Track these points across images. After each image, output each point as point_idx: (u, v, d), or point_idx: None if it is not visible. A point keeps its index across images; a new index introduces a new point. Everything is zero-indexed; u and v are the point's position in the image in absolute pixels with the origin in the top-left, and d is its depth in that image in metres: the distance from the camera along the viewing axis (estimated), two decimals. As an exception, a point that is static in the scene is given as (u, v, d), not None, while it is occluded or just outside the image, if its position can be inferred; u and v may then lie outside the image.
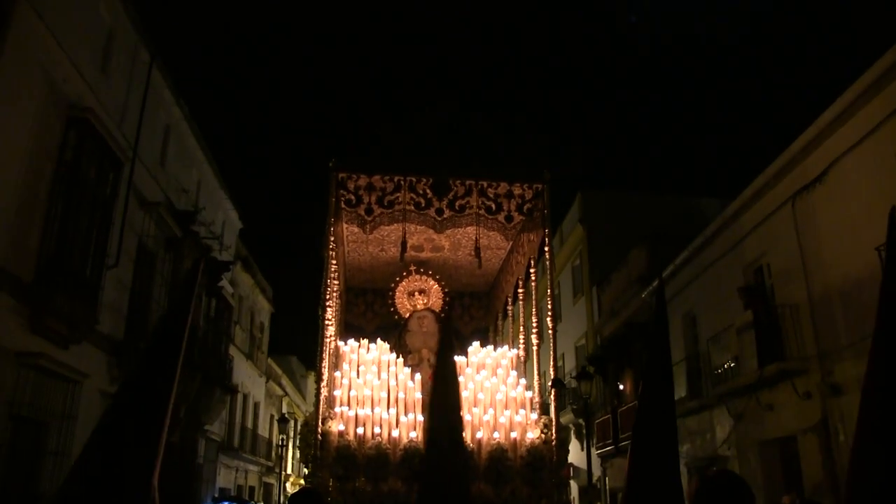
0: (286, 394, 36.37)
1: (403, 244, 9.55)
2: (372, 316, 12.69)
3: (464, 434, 3.37)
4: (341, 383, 9.03)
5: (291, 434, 32.32)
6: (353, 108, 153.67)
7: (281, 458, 28.11)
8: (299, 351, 54.05)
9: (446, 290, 11.57)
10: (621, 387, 22.10)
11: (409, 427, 8.28)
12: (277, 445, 29.40)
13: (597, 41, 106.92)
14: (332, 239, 9.22)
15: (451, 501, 3.05)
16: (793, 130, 13.15)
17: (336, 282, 9.61)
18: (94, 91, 13.49)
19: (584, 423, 19.40)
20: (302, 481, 37.62)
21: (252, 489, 29.22)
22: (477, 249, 9.84)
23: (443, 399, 3.41)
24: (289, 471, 33.47)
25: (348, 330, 11.93)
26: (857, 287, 11.47)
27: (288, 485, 33.31)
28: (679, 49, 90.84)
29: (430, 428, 3.57)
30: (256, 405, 30.36)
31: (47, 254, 11.59)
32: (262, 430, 31.20)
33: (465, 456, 3.40)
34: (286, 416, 28.09)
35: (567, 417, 23.43)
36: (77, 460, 2.56)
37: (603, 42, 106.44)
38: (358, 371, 9.43)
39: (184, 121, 18.85)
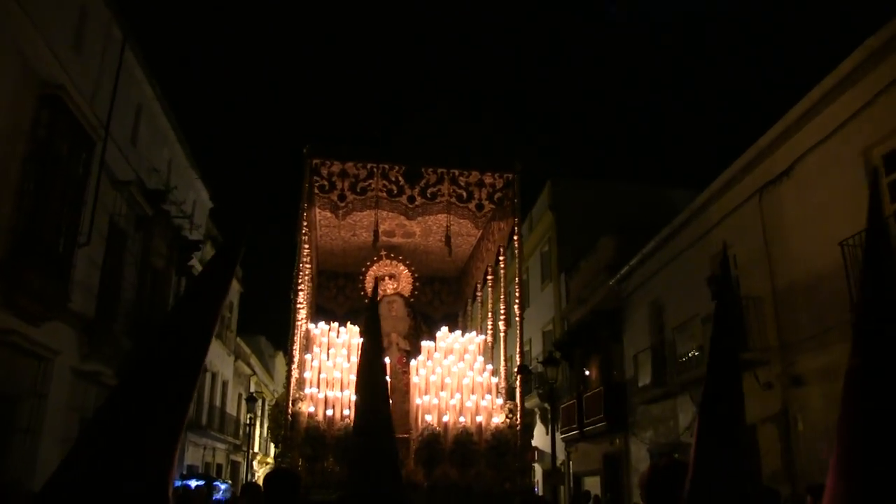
0: (254, 373, 36.40)
1: (376, 232, 9.69)
2: (343, 300, 12.82)
3: (391, 419, 3.35)
4: (311, 365, 9.17)
5: (259, 413, 32.41)
6: (326, 92, 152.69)
7: (248, 437, 28.19)
8: (268, 331, 54.01)
9: (416, 274, 11.73)
10: (587, 372, 22.43)
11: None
12: (245, 424, 29.47)
13: (570, 31, 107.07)
14: (305, 224, 9.33)
15: (382, 486, 3.09)
16: (763, 124, 13.40)
17: (308, 265, 9.73)
18: (67, 69, 13.39)
19: (549, 408, 19.72)
20: (269, 459, 37.78)
21: (220, 467, 29.29)
22: (447, 238, 9.99)
23: (369, 383, 3.40)
24: (256, 449, 33.56)
25: (319, 313, 12.05)
26: (819, 281, 11.73)
27: (255, 463, 33.44)
28: (653, 40, 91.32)
29: (359, 413, 3.52)
30: (225, 384, 30.38)
31: (19, 231, 11.54)
32: (231, 409, 31.23)
33: (393, 441, 3.38)
34: (254, 395, 28.15)
35: (533, 402, 23.76)
36: (77, 445, 2.20)
37: (576, 31, 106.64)
38: (328, 354, 9.56)
39: (156, 100, 18.72)
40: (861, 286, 2.44)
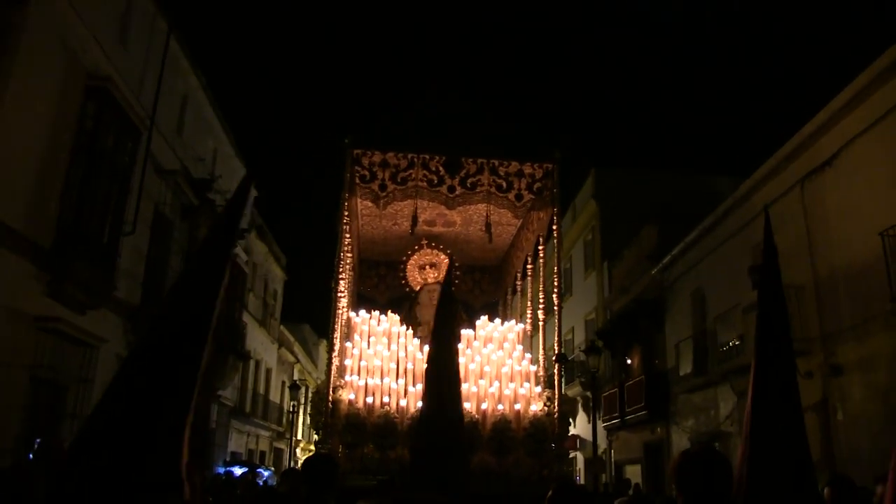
0: (298, 361, 36.80)
1: (414, 219, 9.76)
2: (384, 288, 12.92)
3: (462, 406, 3.29)
4: (352, 353, 9.27)
5: (302, 400, 32.79)
6: (368, 82, 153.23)
7: (291, 424, 28.54)
8: (312, 319, 54.51)
9: (456, 263, 11.77)
10: (629, 361, 22.35)
11: (417, 397, 8.53)
12: (288, 411, 29.84)
13: (612, 19, 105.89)
14: (346, 213, 9.42)
15: (448, 475, 3.08)
16: (808, 112, 13.23)
17: (350, 254, 9.83)
18: (113, 61, 13.65)
19: (591, 396, 19.69)
20: (312, 447, 38.24)
21: (263, 454, 29.73)
22: (488, 226, 10.05)
23: (440, 370, 3.38)
24: (299, 436, 33.98)
25: (361, 301, 12.16)
26: (860, 271, 11.61)
27: (298, 450, 33.84)
28: (696, 27, 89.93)
29: (429, 398, 3.51)
30: (268, 371, 30.79)
31: (66, 221, 11.81)
32: (274, 396, 31.66)
33: (461, 429, 3.32)
34: (297, 382, 28.48)
35: (575, 390, 23.73)
36: (91, 417, 2.22)
37: (619, 20, 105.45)
38: (369, 342, 9.65)
39: (200, 90, 19.01)
40: None
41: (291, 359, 35.37)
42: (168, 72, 16.45)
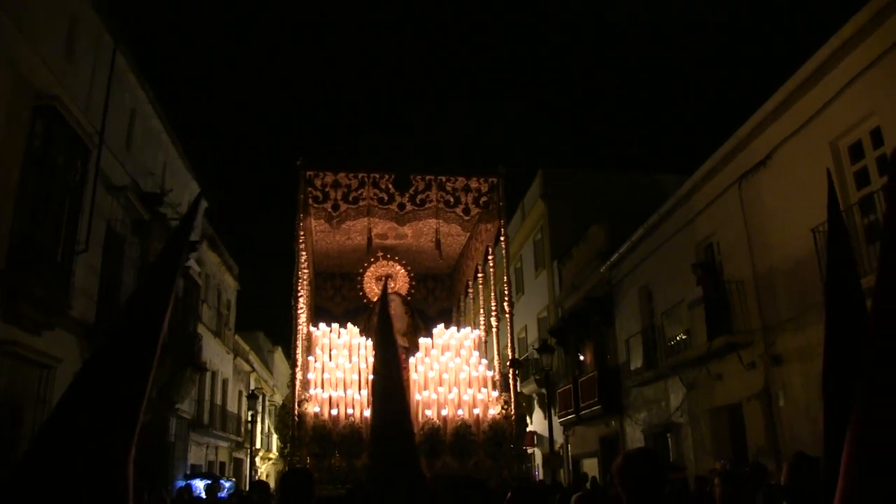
0: (254, 369, 36.67)
1: (370, 239, 10.05)
2: (340, 300, 13.14)
3: (410, 416, 3.42)
4: (314, 367, 9.49)
5: (260, 409, 32.71)
6: (317, 94, 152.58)
7: (250, 434, 28.48)
8: (266, 326, 54.22)
9: (412, 273, 12.05)
10: (581, 357, 22.83)
11: (378, 406, 8.78)
12: (246, 421, 29.80)
13: (558, 23, 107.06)
14: (302, 233, 9.65)
15: (400, 481, 3.22)
16: (749, 110, 13.72)
17: (306, 270, 10.05)
18: (60, 78, 13.61)
19: (546, 394, 20.12)
20: (272, 455, 38.16)
21: (223, 465, 29.61)
22: (437, 242, 10.38)
23: (385, 380, 3.51)
24: (258, 445, 33.91)
25: (318, 313, 12.36)
26: (795, 265, 12.19)
27: (258, 459, 33.77)
28: (643, 30, 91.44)
29: (376, 411, 3.60)
30: (225, 382, 30.64)
31: (19, 241, 11.77)
32: (231, 407, 31.51)
33: (411, 438, 3.45)
34: (255, 392, 28.46)
35: (530, 387, 24.17)
36: (38, 436, 2.16)
37: (565, 23, 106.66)
38: (330, 355, 9.88)
39: (148, 103, 18.95)
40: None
41: (247, 368, 35.25)
42: (115, 86, 16.40)
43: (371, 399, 3.90)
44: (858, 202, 10.99)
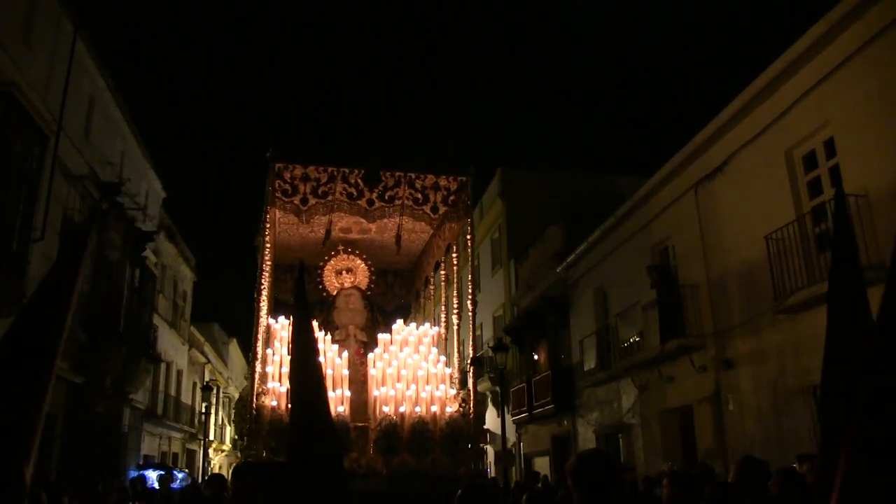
0: (209, 361, 36.43)
1: (328, 232, 10.10)
2: (300, 292, 13.12)
3: (329, 408, 3.40)
4: (273, 360, 9.51)
5: (214, 401, 32.48)
6: (284, 86, 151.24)
7: (204, 425, 28.34)
8: (221, 318, 53.73)
9: (372, 269, 12.12)
10: (536, 357, 23.08)
11: (336, 402, 8.87)
12: (200, 412, 29.61)
13: (514, 22, 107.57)
14: (268, 225, 9.67)
15: (324, 476, 3.22)
16: (707, 115, 13.99)
17: (268, 262, 10.03)
18: (18, 64, 13.45)
19: (500, 392, 20.32)
20: (225, 447, 37.91)
21: (175, 455, 29.41)
22: (398, 237, 10.48)
23: (303, 375, 3.47)
24: (211, 437, 33.68)
25: (275, 306, 12.35)
26: (748, 271, 12.50)
27: (210, 450, 33.55)
28: (602, 31, 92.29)
29: (296, 402, 3.45)
30: (179, 373, 30.43)
31: (-26, 228, 11.67)
32: (185, 398, 31.30)
33: (333, 431, 3.40)
34: (209, 383, 28.27)
35: (485, 385, 24.32)
36: None
37: (522, 22, 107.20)
38: (288, 348, 9.89)
39: (108, 91, 18.78)
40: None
41: (202, 359, 35.00)
42: (75, 74, 16.22)
43: (290, 389, 3.86)
44: (811, 211, 11.34)
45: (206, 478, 10.21)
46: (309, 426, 3.15)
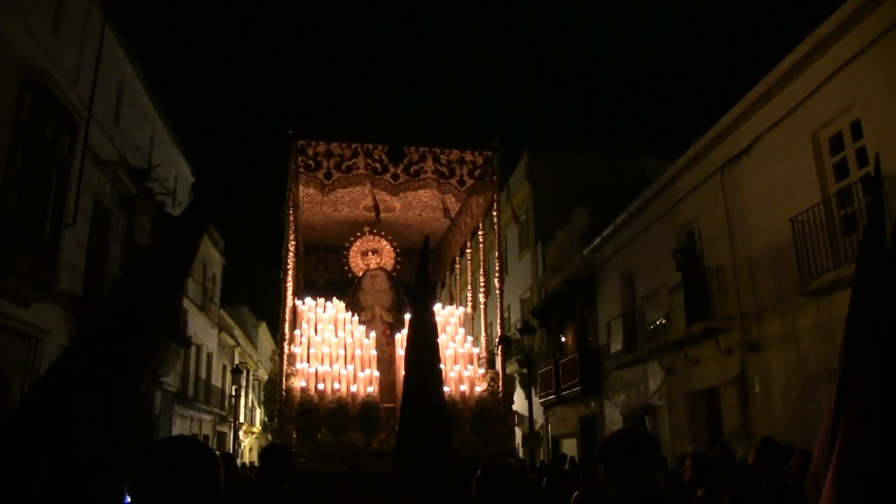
0: (238, 344, 36.81)
1: (376, 207, 10.20)
2: (324, 271, 13.21)
3: (442, 388, 3.46)
4: (300, 341, 9.61)
5: (244, 384, 32.83)
6: (308, 67, 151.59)
7: (234, 408, 28.69)
8: (250, 301, 54.17)
9: (397, 249, 12.17)
10: (563, 339, 23.09)
11: (366, 382, 8.96)
12: (230, 395, 29.95)
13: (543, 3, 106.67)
14: (291, 204, 9.73)
15: (428, 457, 3.25)
16: (733, 97, 13.85)
17: (293, 242, 10.10)
18: (48, 52, 13.58)
19: (527, 374, 20.36)
20: (255, 429, 38.32)
21: (206, 438, 29.78)
22: (445, 210, 10.51)
23: (418, 353, 3.47)
24: (241, 419, 34.09)
25: (303, 286, 12.45)
26: (773, 254, 12.44)
27: (241, 433, 33.96)
28: (632, 12, 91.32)
29: (408, 382, 3.53)
30: (210, 356, 30.79)
31: (7, 215, 11.82)
32: (216, 381, 31.68)
33: (443, 411, 3.47)
34: (239, 366, 28.58)
35: (512, 367, 24.36)
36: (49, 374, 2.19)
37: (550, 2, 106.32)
38: (316, 329, 9.98)
39: (137, 78, 18.93)
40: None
41: (232, 342, 35.38)
42: (104, 61, 16.35)
43: (406, 373, 3.85)
44: (837, 193, 11.22)
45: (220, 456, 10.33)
46: (421, 407, 3.33)
